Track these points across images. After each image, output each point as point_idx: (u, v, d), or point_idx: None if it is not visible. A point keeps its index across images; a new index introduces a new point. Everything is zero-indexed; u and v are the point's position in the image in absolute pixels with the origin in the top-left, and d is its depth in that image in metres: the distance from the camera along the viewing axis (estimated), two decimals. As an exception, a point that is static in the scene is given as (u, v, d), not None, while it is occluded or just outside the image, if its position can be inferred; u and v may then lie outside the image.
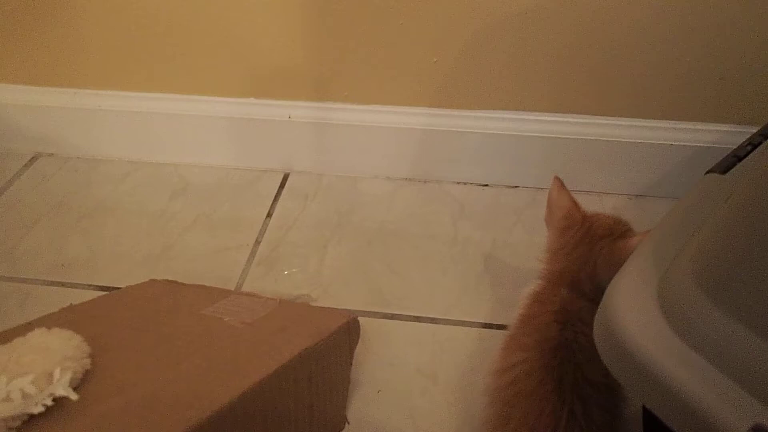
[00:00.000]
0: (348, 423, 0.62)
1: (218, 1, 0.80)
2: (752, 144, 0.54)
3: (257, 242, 0.83)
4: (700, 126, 0.82)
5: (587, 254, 0.57)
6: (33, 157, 0.99)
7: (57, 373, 0.41)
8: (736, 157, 0.52)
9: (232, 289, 0.76)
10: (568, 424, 0.47)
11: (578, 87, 0.81)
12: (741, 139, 0.60)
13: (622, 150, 0.85)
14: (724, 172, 0.50)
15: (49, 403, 0.39)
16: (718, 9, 0.71)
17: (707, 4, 0.71)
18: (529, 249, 0.82)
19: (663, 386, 0.36)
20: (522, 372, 0.51)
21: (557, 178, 0.63)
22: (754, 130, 0.61)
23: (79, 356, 0.44)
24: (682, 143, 0.83)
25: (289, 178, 0.94)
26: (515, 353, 0.54)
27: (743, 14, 0.71)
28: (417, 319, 0.73)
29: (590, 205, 0.64)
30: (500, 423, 0.52)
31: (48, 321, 0.52)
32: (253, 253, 0.81)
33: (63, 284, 0.77)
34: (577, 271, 0.57)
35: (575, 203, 0.62)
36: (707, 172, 0.52)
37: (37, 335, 0.46)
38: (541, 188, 0.91)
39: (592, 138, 0.84)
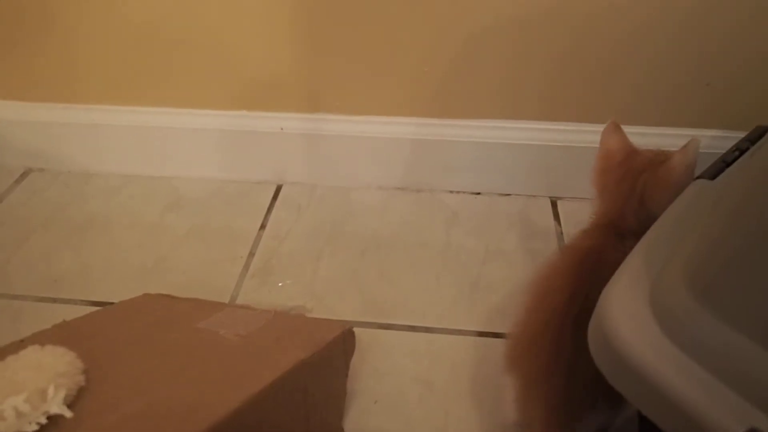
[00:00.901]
0: (345, 434, 0.62)
1: (209, 15, 0.80)
2: (739, 149, 0.54)
3: (251, 254, 0.83)
4: (689, 132, 0.82)
5: (630, 191, 0.59)
6: (24, 172, 0.99)
7: (51, 390, 0.41)
8: (724, 162, 0.53)
9: (227, 301, 0.76)
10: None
11: (568, 95, 0.82)
12: (728, 144, 0.61)
13: (613, 156, 0.85)
14: (713, 177, 0.51)
15: (43, 421, 0.39)
16: (704, 18, 0.72)
17: (693, 14, 0.72)
18: (523, 256, 0.82)
19: (656, 390, 0.37)
20: (551, 273, 0.56)
21: (612, 121, 0.64)
22: (741, 134, 0.62)
23: (73, 373, 0.44)
24: (672, 149, 0.84)
25: (282, 190, 0.95)
26: (548, 265, 0.57)
27: (728, 22, 0.73)
28: (412, 328, 0.73)
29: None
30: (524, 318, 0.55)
31: (41, 338, 0.52)
32: (247, 265, 0.81)
33: (55, 300, 0.77)
34: (621, 209, 0.59)
35: (622, 146, 0.63)
36: (696, 178, 0.53)
37: (30, 352, 0.45)
38: (534, 195, 0.92)
39: (583, 145, 0.85)
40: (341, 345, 0.60)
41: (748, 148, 0.54)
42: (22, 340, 0.52)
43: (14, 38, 0.86)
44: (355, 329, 0.64)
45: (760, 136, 0.57)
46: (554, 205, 0.90)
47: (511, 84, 0.82)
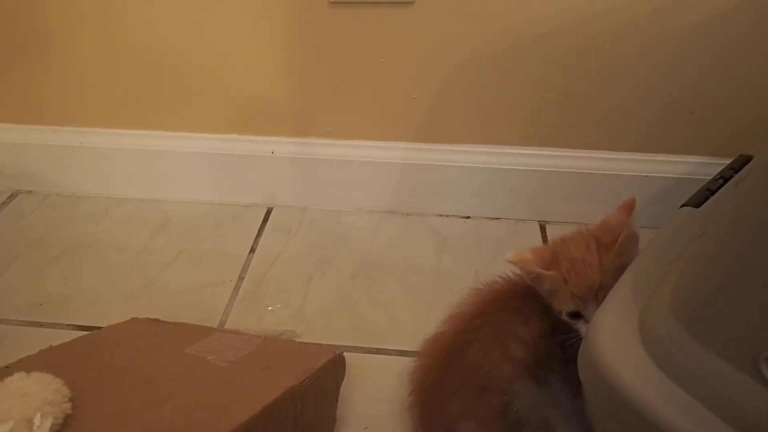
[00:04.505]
0: (334, 462, 0.61)
1: (200, 40, 0.81)
2: (723, 177, 0.56)
3: (240, 278, 0.83)
4: (673, 158, 0.84)
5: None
6: (12, 194, 0.98)
7: (37, 419, 0.40)
8: (709, 190, 0.54)
9: (216, 326, 0.75)
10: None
11: (552, 122, 0.84)
12: (713, 170, 0.62)
13: (599, 182, 0.87)
14: (698, 205, 0.52)
15: (29, 451, 0.38)
16: (688, 46, 0.75)
17: (676, 42, 0.74)
18: (511, 280, 0.82)
19: (645, 418, 0.37)
20: None
21: (631, 198, 0.59)
22: (724, 161, 0.63)
23: (60, 401, 0.44)
24: (656, 175, 0.85)
25: (272, 213, 0.95)
26: None
27: (711, 51, 0.75)
28: (402, 353, 0.72)
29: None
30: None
31: (27, 364, 0.51)
32: (236, 289, 0.81)
33: (41, 324, 0.76)
34: None
35: (616, 224, 0.60)
36: (682, 206, 0.54)
37: (16, 380, 0.45)
38: (522, 220, 0.92)
39: (569, 170, 0.86)
40: (331, 371, 0.60)
41: (731, 177, 0.56)
42: (7, 366, 0.51)
43: (4, 61, 0.86)
44: (345, 354, 0.63)
45: (743, 165, 0.58)
46: (543, 228, 0.91)
47: (498, 111, 0.83)
